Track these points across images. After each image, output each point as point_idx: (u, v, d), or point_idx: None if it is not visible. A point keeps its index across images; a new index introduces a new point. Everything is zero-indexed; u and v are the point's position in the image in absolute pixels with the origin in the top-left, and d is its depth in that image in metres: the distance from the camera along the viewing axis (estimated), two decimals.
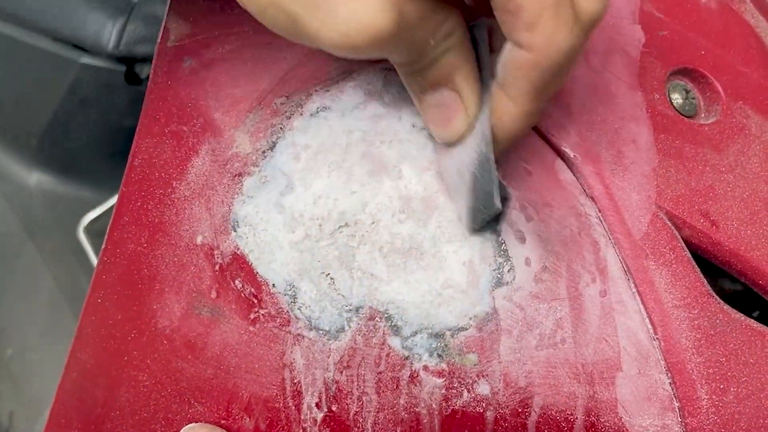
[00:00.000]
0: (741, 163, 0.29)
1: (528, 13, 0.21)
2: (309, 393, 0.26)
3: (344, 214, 0.27)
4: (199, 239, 0.28)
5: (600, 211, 0.28)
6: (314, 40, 0.21)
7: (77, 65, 0.56)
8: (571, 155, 0.28)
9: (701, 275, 0.27)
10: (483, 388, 0.26)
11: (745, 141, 0.30)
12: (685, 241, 0.28)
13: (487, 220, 0.27)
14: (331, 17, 0.20)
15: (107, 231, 0.28)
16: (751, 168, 0.29)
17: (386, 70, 0.29)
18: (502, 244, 0.27)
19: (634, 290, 0.27)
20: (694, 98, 0.31)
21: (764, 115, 0.31)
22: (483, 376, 0.26)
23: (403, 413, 0.26)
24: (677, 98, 0.31)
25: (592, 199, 0.28)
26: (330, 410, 0.26)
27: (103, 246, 0.28)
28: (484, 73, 0.25)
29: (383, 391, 0.26)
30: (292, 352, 0.26)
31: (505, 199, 0.25)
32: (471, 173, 0.25)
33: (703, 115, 0.31)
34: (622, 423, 0.25)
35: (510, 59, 0.23)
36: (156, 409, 0.27)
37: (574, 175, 0.28)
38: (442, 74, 0.24)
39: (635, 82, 0.30)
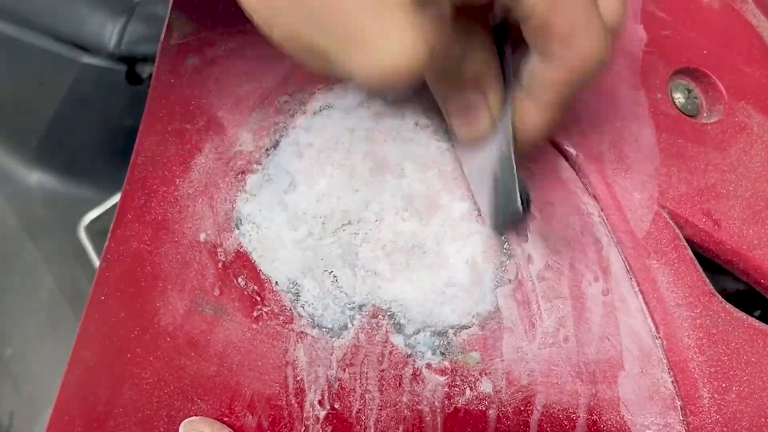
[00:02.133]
0: (743, 162, 0.29)
1: (560, 30, 0.20)
2: (312, 390, 0.26)
3: (347, 212, 0.27)
4: (202, 237, 0.28)
5: (602, 210, 0.28)
6: (345, 75, 0.21)
7: (78, 65, 0.56)
8: (574, 154, 0.28)
9: (703, 274, 0.27)
10: (485, 386, 0.26)
11: (748, 140, 0.30)
12: (688, 240, 0.28)
13: (511, 222, 0.26)
14: (364, 56, 0.19)
15: (110, 229, 0.28)
16: (753, 167, 0.29)
17: None
18: (505, 242, 0.27)
19: (637, 289, 0.27)
20: (696, 98, 0.31)
21: (766, 115, 0.31)
22: (486, 374, 0.26)
23: (405, 411, 0.26)
24: (679, 98, 0.31)
25: (595, 198, 0.28)
26: (332, 408, 0.26)
27: (106, 244, 0.28)
28: (506, 73, 0.25)
29: (386, 389, 0.26)
30: (294, 349, 0.26)
31: (527, 201, 0.25)
32: (493, 173, 0.25)
33: (705, 115, 0.31)
34: (624, 421, 0.25)
35: (540, 72, 0.22)
36: (159, 407, 0.27)
37: (576, 174, 0.28)
38: (468, 77, 0.24)
39: (638, 81, 0.30)
